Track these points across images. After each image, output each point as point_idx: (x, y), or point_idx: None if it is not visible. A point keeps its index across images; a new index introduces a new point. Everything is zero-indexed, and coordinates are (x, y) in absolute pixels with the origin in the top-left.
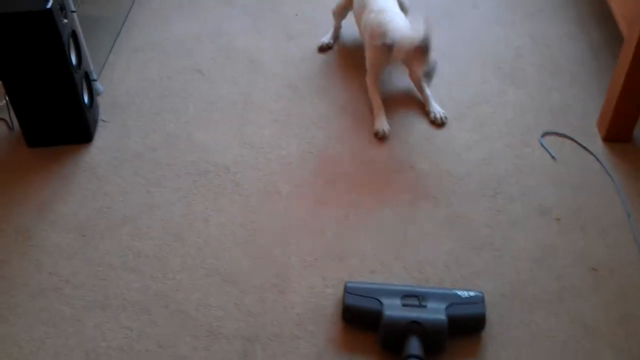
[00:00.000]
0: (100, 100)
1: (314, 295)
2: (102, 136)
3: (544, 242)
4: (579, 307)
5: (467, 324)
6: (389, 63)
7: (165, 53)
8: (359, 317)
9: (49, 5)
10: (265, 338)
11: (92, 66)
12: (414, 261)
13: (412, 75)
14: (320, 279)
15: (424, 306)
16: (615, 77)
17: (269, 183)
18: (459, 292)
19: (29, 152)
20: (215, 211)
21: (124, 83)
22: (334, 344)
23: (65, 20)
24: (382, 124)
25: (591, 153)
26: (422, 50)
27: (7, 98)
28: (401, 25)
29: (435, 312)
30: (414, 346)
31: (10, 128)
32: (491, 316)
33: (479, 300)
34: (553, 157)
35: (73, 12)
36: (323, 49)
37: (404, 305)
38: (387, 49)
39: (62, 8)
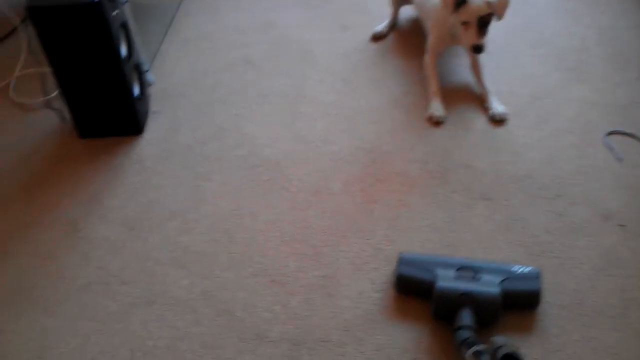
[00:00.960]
0: (151, 91)
1: (362, 300)
2: (153, 128)
3: (607, 250)
4: None
5: (522, 299)
6: (452, 39)
7: (216, 44)
8: (411, 286)
9: None
10: (312, 342)
11: (143, 57)
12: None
13: (473, 67)
14: (369, 282)
15: (478, 279)
16: None
17: (319, 179)
18: (515, 267)
19: (80, 143)
20: (263, 207)
21: (175, 74)
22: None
23: (116, 12)
24: (438, 107)
25: None
26: (486, 18)
27: (59, 89)
28: None
29: (488, 285)
30: (466, 317)
31: (63, 119)
32: (550, 328)
33: (535, 276)
34: (619, 158)
35: (124, 2)
36: (376, 37)
37: (457, 277)
38: (458, 4)
39: (112, 0)
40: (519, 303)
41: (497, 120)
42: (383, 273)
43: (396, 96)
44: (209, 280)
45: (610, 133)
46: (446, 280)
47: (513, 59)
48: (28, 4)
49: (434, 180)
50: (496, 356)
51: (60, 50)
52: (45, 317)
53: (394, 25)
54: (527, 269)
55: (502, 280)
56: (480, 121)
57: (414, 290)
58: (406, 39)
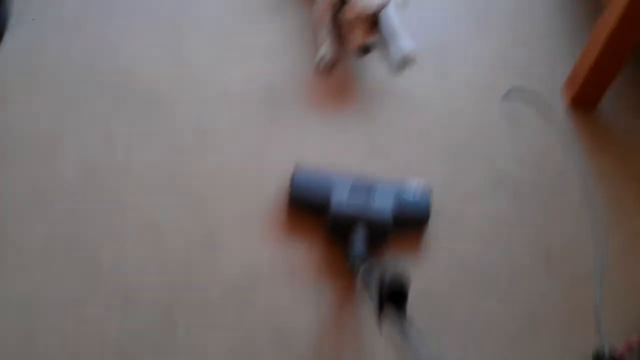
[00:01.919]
0: None
1: (247, 256)
2: (15, 38)
3: (498, 218)
4: (527, 293)
5: (413, 218)
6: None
7: None
8: (306, 202)
9: None
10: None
11: None
12: None
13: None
14: (258, 239)
15: (372, 197)
16: (592, 41)
17: (207, 118)
18: (406, 185)
19: None
20: (138, 145)
21: None
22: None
23: None
24: (328, 48)
25: (554, 117)
26: (372, 20)
27: None
28: None
29: (382, 204)
30: (359, 238)
31: None
32: (440, 303)
33: (425, 193)
34: (514, 121)
35: None
36: None
37: (351, 196)
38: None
39: None
40: (410, 222)
41: (405, 62)
42: (272, 189)
43: (297, 27)
44: (72, 226)
45: (508, 92)
46: (342, 197)
47: (418, 7)
48: None
49: (330, 128)
50: (383, 280)
51: None
52: None
53: None
54: (418, 185)
55: (395, 198)
56: (378, 72)
57: (308, 207)
58: None
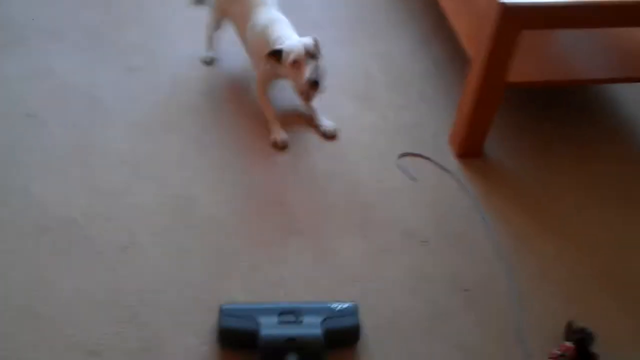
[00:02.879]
0: None
1: (189, 356)
2: None
3: (413, 267)
4: (455, 330)
5: (343, 336)
6: (278, 75)
7: None
8: (235, 339)
9: None
10: None
11: None
12: (291, 301)
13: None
14: (194, 336)
15: (300, 322)
16: (465, 97)
17: (125, 234)
18: (334, 305)
19: None
20: (67, 273)
21: None
22: None
23: None
24: (279, 132)
25: (447, 170)
26: (310, 56)
27: None
28: (289, 33)
29: (311, 327)
30: None
31: None
32: (372, 351)
33: (352, 312)
34: (412, 179)
35: None
36: (208, 62)
37: (280, 322)
38: (276, 55)
39: None
40: (341, 340)
41: (331, 136)
42: (208, 324)
43: (196, 136)
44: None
45: (402, 155)
46: (270, 328)
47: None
48: None
49: (250, 221)
50: None
51: None
52: None
53: (215, 43)
54: (345, 305)
55: (323, 320)
56: (278, 157)
57: (239, 342)
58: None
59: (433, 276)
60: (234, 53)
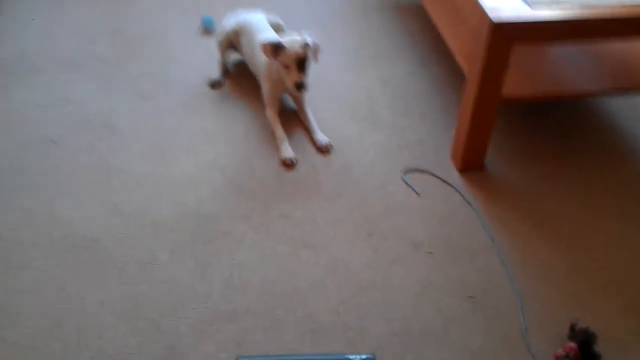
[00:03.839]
0: None
1: None
2: None
3: (421, 276)
4: (463, 335)
5: None
6: (284, 90)
7: (10, 125)
8: None
9: None
10: None
11: None
12: (304, 313)
13: (300, 111)
14: (214, 345)
15: None
16: (462, 113)
17: (145, 251)
18: (351, 357)
19: None
20: (91, 288)
21: None
22: None
23: None
24: (288, 151)
25: (450, 185)
26: (304, 60)
27: None
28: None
29: None
30: None
31: None
32: (386, 356)
33: None
34: (417, 193)
35: None
36: (214, 85)
37: None
38: (276, 50)
39: None
40: None
41: (325, 150)
42: (227, 334)
43: (209, 160)
44: None
45: (406, 172)
46: None
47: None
48: None
49: (260, 235)
50: None
51: None
52: None
53: (226, 71)
54: (363, 356)
55: None
56: (286, 175)
57: None
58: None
59: (440, 285)
60: (243, 76)
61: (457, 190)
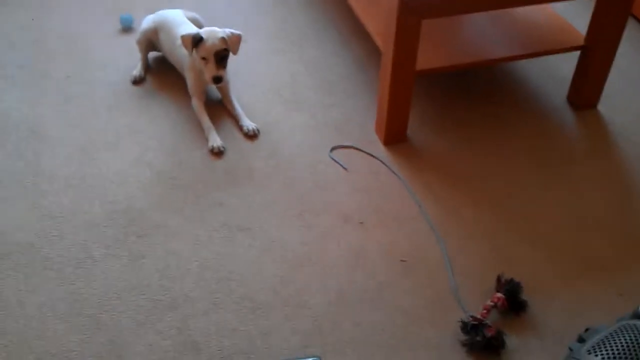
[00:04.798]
0: None
1: (153, 352)
2: None
3: (353, 246)
4: (396, 297)
5: None
6: (206, 81)
7: None
8: None
9: None
10: None
11: None
12: (242, 293)
13: (224, 98)
14: (156, 334)
15: None
16: (381, 89)
17: (80, 250)
18: None
19: None
20: (29, 292)
21: None
22: None
23: None
24: (216, 140)
25: (376, 158)
26: (222, 53)
27: None
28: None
29: None
30: None
31: None
32: (324, 325)
33: None
34: (345, 168)
35: None
36: (136, 81)
37: None
38: (196, 41)
39: None
40: None
41: (252, 135)
42: (167, 322)
43: (135, 153)
44: None
45: (333, 148)
46: None
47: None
48: None
49: (193, 223)
50: None
51: None
52: None
53: (147, 67)
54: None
55: None
56: (217, 162)
57: None
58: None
59: (372, 252)
60: (165, 71)
61: (382, 162)
